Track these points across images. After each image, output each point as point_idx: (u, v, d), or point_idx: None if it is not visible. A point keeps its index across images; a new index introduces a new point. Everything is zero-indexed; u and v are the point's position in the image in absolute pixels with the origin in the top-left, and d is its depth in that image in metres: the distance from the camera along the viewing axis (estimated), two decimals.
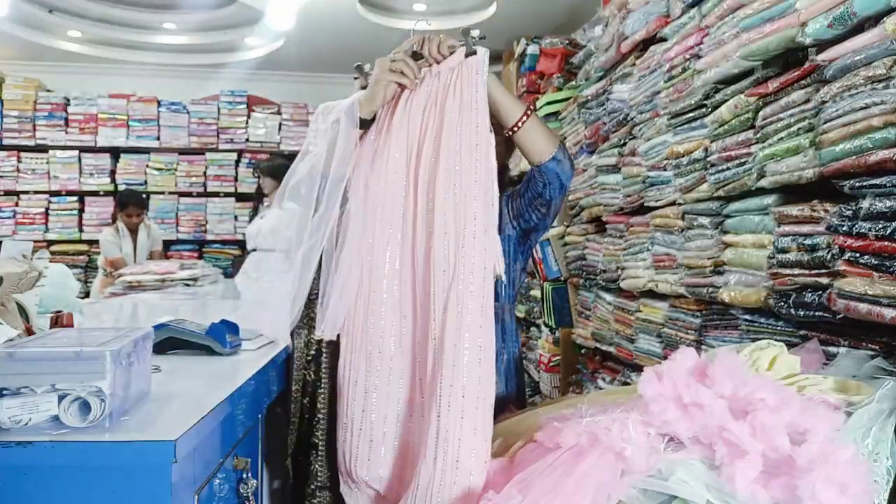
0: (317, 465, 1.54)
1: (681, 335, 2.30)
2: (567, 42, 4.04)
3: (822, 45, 1.58)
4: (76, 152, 6.35)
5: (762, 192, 1.84)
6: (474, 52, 1.46)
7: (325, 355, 1.58)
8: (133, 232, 5.14)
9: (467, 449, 1.27)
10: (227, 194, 6.59)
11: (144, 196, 6.16)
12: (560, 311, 3.61)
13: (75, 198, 6.36)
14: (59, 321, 1.63)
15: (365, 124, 1.51)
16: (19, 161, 6.31)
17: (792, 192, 1.75)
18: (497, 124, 1.52)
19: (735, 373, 1.10)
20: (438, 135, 1.44)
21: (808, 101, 1.65)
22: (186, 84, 6.66)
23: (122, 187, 6.42)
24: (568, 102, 3.60)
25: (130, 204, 5.19)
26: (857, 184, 1.45)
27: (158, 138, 6.49)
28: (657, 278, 2.47)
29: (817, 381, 1.19)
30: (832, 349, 1.52)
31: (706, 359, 1.15)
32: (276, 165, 4.88)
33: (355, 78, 1.57)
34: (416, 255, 1.44)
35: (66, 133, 6.36)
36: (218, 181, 6.56)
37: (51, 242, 6.21)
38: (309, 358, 1.60)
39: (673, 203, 2.35)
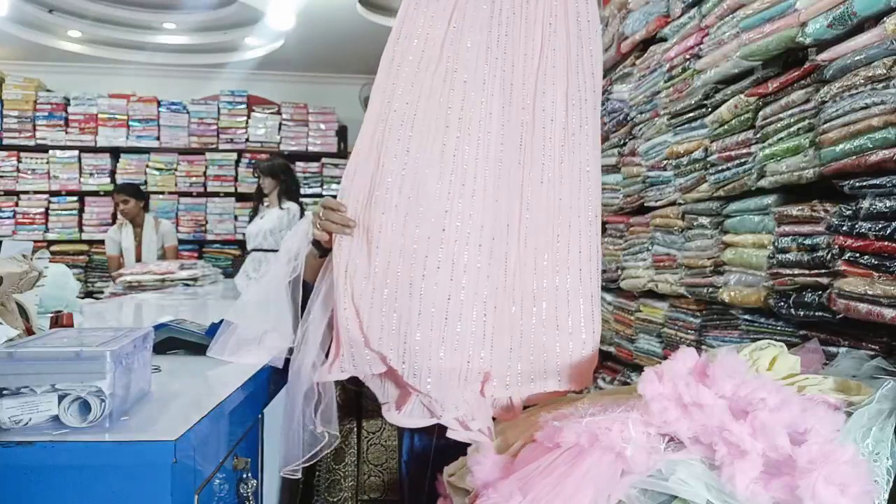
0: None
1: (681, 335, 2.30)
2: None
3: (822, 45, 1.57)
4: (76, 152, 6.36)
5: (762, 192, 1.84)
6: None
7: None
8: (139, 227, 5.11)
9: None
10: (227, 194, 6.59)
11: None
12: None
13: (75, 198, 6.37)
14: (59, 321, 1.63)
15: (324, 252, 1.49)
16: (19, 161, 6.31)
17: (792, 192, 1.75)
18: None
19: (735, 373, 1.10)
20: (563, 60, 1.45)
21: (808, 101, 1.65)
22: (186, 84, 6.67)
23: None
24: None
25: (118, 191, 5.18)
26: (857, 184, 1.45)
27: (158, 138, 6.49)
28: (657, 278, 2.47)
29: (817, 381, 1.19)
30: (832, 349, 1.52)
31: (706, 359, 1.15)
32: (276, 165, 4.88)
33: None
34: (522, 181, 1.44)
35: (66, 133, 6.36)
36: (218, 181, 6.56)
37: (51, 242, 6.22)
38: None
39: (673, 203, 2.35)
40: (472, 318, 1.35)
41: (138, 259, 5.02)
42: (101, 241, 5.74)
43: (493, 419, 1.41)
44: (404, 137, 1.38)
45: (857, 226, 1.42)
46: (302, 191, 5.64)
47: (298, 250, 1.52)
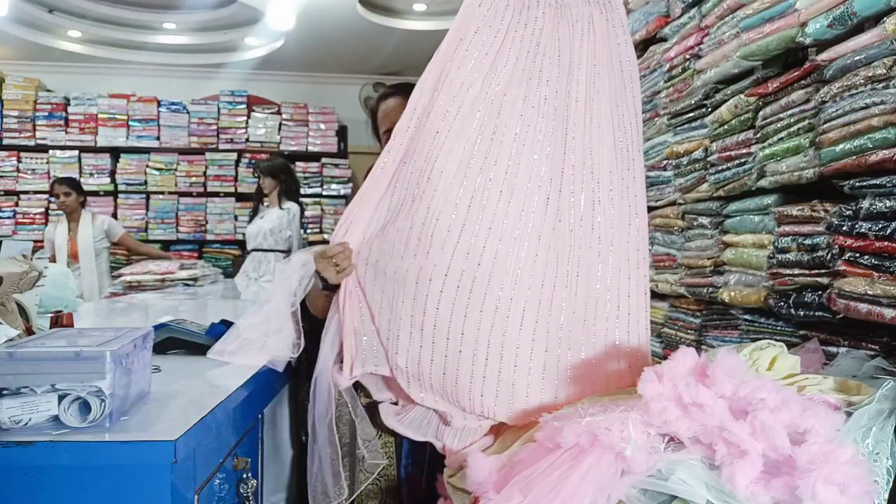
0: None
1: (681, 335, 2.30)
2: None
3: (822, 45, 1.58)
4: (76, 152, 6.36)
5: (762, 192, 1.84)
6: None
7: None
8: (74, 222, 4.97)
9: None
10: (227, 194, 6.59)
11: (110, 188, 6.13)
12: None
13: None
14: (59, 321, 1.63)
15: (329, 287, 1.48)
16: (19, 161, 6.31)
17: (792, 192, 1.75)
18: None
19: (735, 373, 1.10)
20: (608, 103, 1.43)
21: (808, 101, 1.65)
22: (186, 84, 6.66)
23: (122, 187, 6.45)
24: None
25: (60, 182, 5.05)
26: (857, 184, 1.45)
27: (158, 138, 6.49)
28: (657, 278, 2.47)
29: (817, 381, 1.19)
30: (832, 349, 1.52)
31: (706, 359, 1.15)
32: (276, 165, 4.88)
33: None
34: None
35: (66, 133, 6.36)
36: (218, 181, 6.56)
37: None
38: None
39: (673, 203, 2.35)
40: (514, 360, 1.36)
41: (73, 255, 4.89)
42: None
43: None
44: (451, 193, 1.35)
45: (857, 226, 1.42)
46: (302, 191, 5.64)
47: (296, 288, 1.49)
